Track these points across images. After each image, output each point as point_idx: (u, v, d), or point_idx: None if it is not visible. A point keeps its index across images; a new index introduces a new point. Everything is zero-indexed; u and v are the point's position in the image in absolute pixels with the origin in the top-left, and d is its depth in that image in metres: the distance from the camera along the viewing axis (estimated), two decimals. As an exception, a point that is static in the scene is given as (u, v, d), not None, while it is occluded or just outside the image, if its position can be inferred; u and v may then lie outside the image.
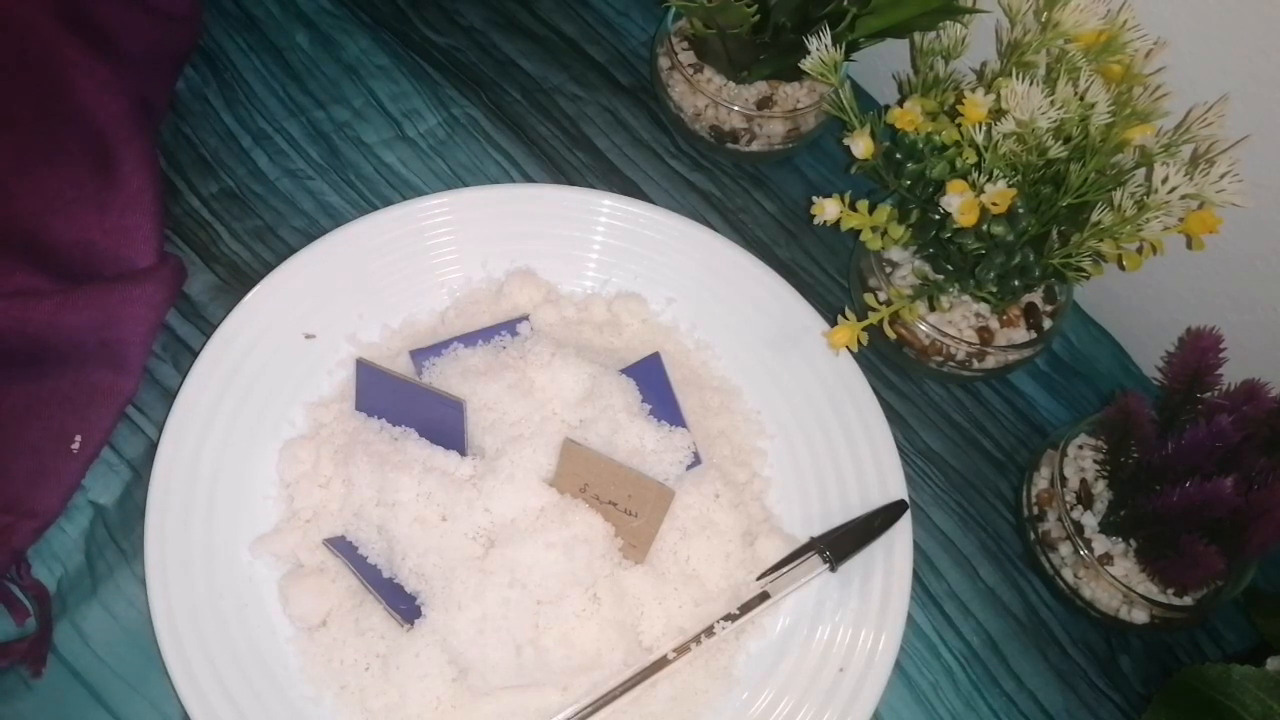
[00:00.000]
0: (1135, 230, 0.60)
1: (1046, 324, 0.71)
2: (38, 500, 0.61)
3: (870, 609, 0.63)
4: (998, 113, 0.61)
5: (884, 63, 0.82)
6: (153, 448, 0.63)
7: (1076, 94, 0.61)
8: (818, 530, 0.65)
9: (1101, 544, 0.66)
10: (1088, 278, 0.65)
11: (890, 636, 0.62)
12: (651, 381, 0.66)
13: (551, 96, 0.82)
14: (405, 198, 0.75)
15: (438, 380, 0.64)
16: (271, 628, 0.60)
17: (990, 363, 0.71)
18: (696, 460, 0.64)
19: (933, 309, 0.70)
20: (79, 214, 0.68)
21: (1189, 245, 0.63)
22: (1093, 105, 0.60)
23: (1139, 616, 0.66)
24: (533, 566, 0.57)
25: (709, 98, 0.77)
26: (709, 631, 0.60)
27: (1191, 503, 0.60)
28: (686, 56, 0.78)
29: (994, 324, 0.71)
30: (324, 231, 0.71)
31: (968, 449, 0.74)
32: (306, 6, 0.83)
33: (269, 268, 0.68)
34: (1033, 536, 0.68)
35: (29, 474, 0.62)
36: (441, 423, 0.61)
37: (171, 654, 0.57)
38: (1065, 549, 0.67)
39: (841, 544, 0.63)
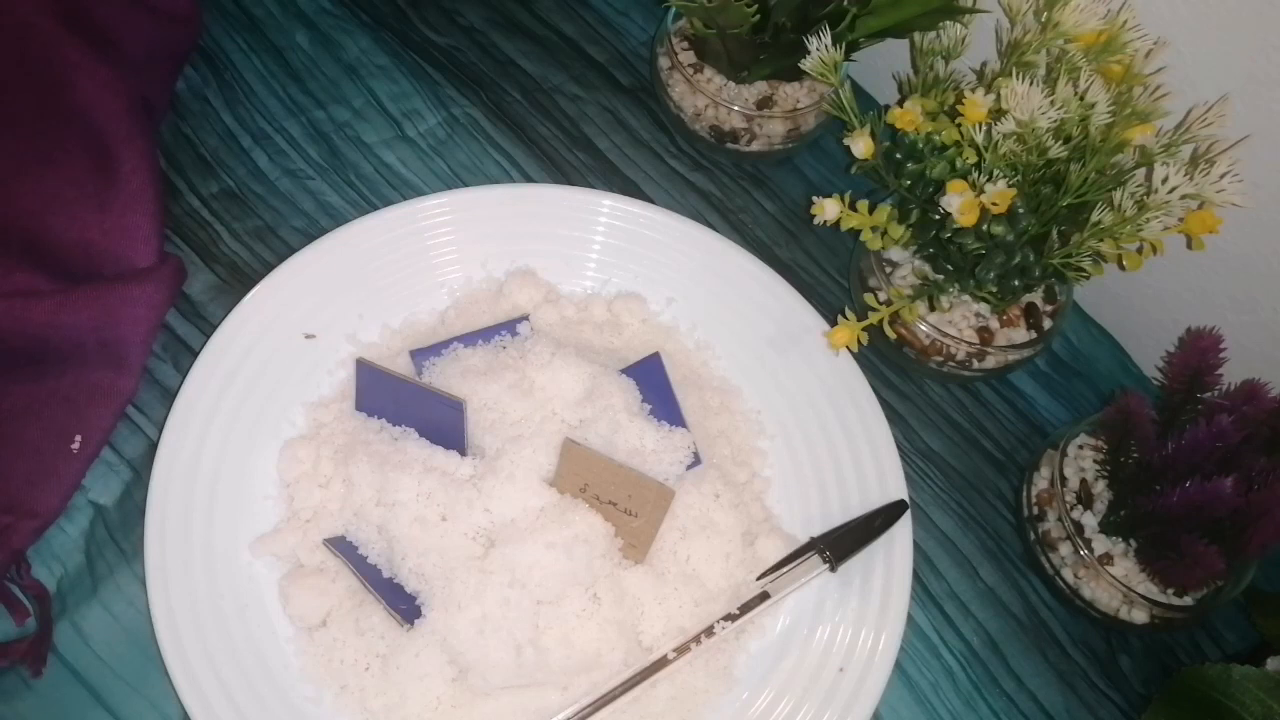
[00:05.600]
0: (1135, 230, 0.60)
1: (1046, 324, 0.71)
2: (38, 500, 0.61)
3: (870, 609, 0.63)
4: (998, 113, 0.61)
5: (884, 63, 0.82)
6: (153, 448, 0.63)
7: (1076, 94, 0.61)
8: (818, 530, 0.65)
9: (1101, 544, 0.66)
10: (1088, 278, 0.65)
11: (890, 636, 0.62)
12: (651, 381, 0.66)
13: (551, 96, 0.82)
14: (405, 198, 0.75)
15: (438, 380, 0.64)
16: (271, 628, 0.60)
17: (990, 363, 0.71)
18: (696, 460, 0.64)
19: (933, 309, 0.70)
20: (79, 214, 0.68)
21: (1189, 245, 0.63)
22: (1093, 105, 0.60)
23: (1139, 616, 0.66)
24: (533, 566, 0.57)
25: (709, 98, 0.77)
26: (709, 631, 0.60)
27: (1191, 503, 0.60)
28: (686, 56, 0.78)
29: (994, 324, 0.71)
30: (324, 231, 0.71)
31: (968, 449, 0.74)
32: (306, 6, 0.83)
33: (269, 268, 0.68)
34: (1033, 536, 0.68)
35: (29, 474, 0.62)
36: (441, 423, 0.61)
37: (171, 654, 0.57)
38: (1065, 549, 0.67)
39: (841, 544, 0.63)
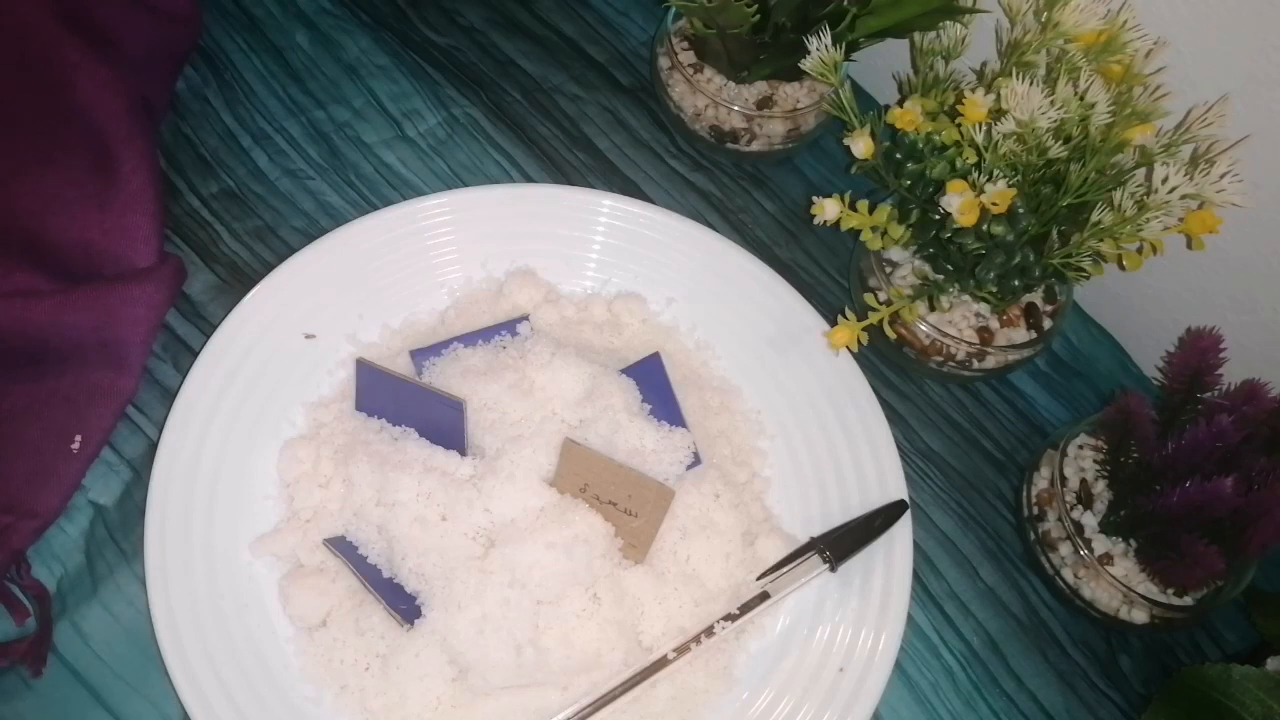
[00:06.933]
0: (1135, 230, 0.60)
1: (1046, 324, 0.71)
2: (38, 500, 0.61)
3: (870, 609, 0.63)
4: (998, 113, 0.61)
5: (884, 63, 0.82)
6: (153, 448, 0.63)
7: (1076, 94, 0.61)
8: (818, 530, 0.65)
9: (1101, 544, 0.66)
10: (1088, 278, 0.65)
11: (890, 636, 0.62)
12: (651, 381, 0.66)
13: (551, 96, 0.82)
14: (405, 198, 0.75)
15: (438, 380, 0.64)
16: (271, 628, 0.60)
17: (990, 363, 0.71)
18: (696, 460, 0.64)
19: (933, 309, 0.70)
20: (79, 214, 0.68)
21: (1189, 245, 0.63)
22: (1093, 105, 0.60)
23: (1139, 616, 0.66)
24: (533, 566, 0.57)
25: (709, 98, 0.77)
26: (709, 631, 0.60)
27: (1191, 503, 0.60)
28: (686, 56, 0.78)
29: (994, 324, 0.71)
30: (324, 231, 0.71)
31: (968, 449, 0.74)
32: (306, 6, 0.83)
33: (269, 268, 0.68)
34: (1033, 536, 0.68)
35: (29, 474, 0.62)
36: (441, 423, 0.61)
37: (171, 654, 0.57)
38: (1065, 549, 0.67)
39: (841, 544, 0.63)
